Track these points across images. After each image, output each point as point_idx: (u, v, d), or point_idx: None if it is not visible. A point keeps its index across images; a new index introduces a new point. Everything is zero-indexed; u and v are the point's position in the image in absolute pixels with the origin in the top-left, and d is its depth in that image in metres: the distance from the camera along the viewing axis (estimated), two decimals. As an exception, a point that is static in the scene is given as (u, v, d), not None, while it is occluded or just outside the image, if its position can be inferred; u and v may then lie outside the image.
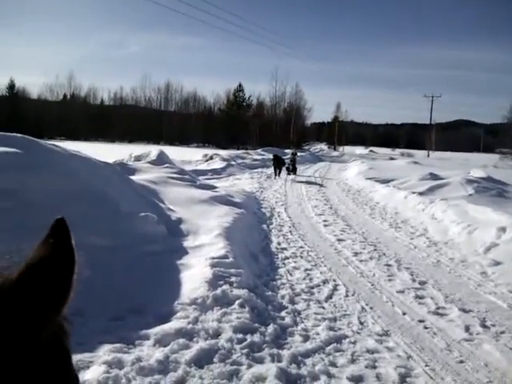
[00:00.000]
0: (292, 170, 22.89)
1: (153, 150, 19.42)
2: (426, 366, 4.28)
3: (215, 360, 4.00)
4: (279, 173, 22.57)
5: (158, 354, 3.95)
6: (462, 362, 4.41)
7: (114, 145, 54.61)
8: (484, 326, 5.30)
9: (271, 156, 33.18)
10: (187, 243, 7.33)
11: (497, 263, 7.90)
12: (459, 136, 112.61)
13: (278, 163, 22.60)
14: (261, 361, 4.11)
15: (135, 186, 9.21)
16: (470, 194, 14.92)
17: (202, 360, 3.97)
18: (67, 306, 0.72)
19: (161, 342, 4.17)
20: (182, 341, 4.20)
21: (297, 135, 68.81)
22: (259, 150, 39.82)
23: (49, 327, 0.69)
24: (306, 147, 69.99)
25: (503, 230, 9.13)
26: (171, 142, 63.32)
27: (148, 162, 15.81)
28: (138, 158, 18.38)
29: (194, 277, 5.78)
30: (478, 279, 7.11)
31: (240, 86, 71.15)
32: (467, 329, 5.17)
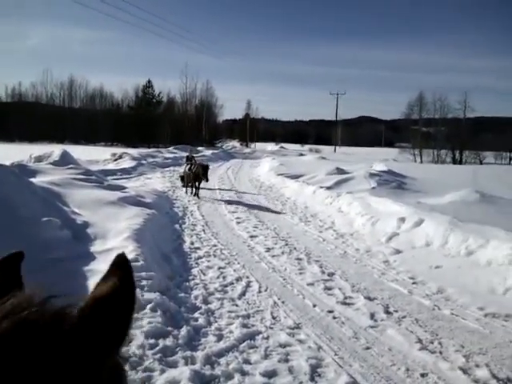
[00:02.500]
0: (194, 184, 15.32)
1: (55, 149, 18.40)
2: (336, 355, 4.46)
3: (126, 368, 3.85)
4: (195, 186, 15.33)
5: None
6: (368, 348, 4.66)
7: (13, 145, 50.89)
8: (387, 312, 5.64)
9: (183, 154, 32.28)
10: (95, 248, 7.01)
11: (398, 252, 8.45)
12: (363, 132, 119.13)
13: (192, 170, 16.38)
14: (174, 365, 4.04)
15: (36, 189, 8.64)
16: (373, 187, 15.81)
17: (111, 370, 3.81)
18: (126, 344, 0.69)
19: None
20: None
21: (209, 132, 68.73)
22: (171, 148, 39.22)
23: (108, 367, 0.65)
24: (219, 144, 70.09)
25: (403, 220, 9.78)
26: (77, 141, 60.18)
27: (50, 163, 14.95)
28: (39, 159, 17.31)
29: (102, 283, 5.53)
30: (382, 268, 7.55)
31: (149, 82, 69.53)
32: (372, 316, 5.47)
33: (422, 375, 4.12)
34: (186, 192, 15.64)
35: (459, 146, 58.44)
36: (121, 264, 0.76)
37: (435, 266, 7.55)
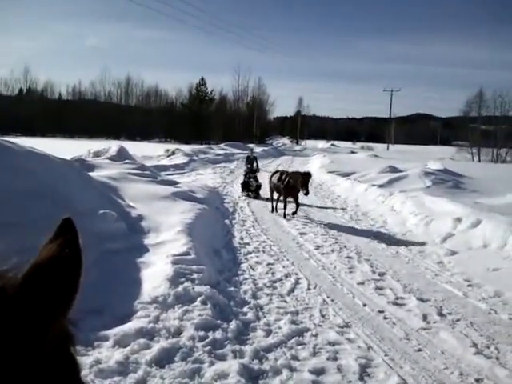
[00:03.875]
0: (255, 188, 14.64)
1: (113, 145, 19.04)
2: (386, 355, 4.37)
3: (176, 359, 3.95)
4: (253, 190, 14.70)
5: (118, 355, 3.87)
6: (420, 350, 4.53)
7: (73, 140, 53.23)
8: (441, 314, 5.46)
9: (234, 150, 32.16)
10: (148, 240, 7.21)
11: (453, 253, 8.16)
12: (417, 129, 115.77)
13: (252, 171, 15.22)
14: (223, 358, 4.09)
15: (94, 182, 8.99)
16: (428, 186, 15.34)
17: (163, 359, 3.92)
18: (72, 308, 0.70)
19: (120, 342, 4.09)
20: (142, 341, 4.13)
21: (260, 129, 69.00)
22: (222, 145, 39.68)
23: (54, 331, 0.65)
24: (269, 141, 70.27)
25: (459, 220, 9.43)
26: (132, 138, 62.20)
27: (107, 158, 15.48)
28: (97, 154, 17.98)
29: (154, 275, 5.69)
30: (435, 269, 7.32)
31: (202, 80, 70.57)
32: (425, 318, 5.32)
33: (477, 380, 3.96)
34: (273, 211, 11.98)
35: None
36: (66, 228, 0.74)
37: (492, 269, 7.23)
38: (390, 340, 4.72)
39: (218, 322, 4.76)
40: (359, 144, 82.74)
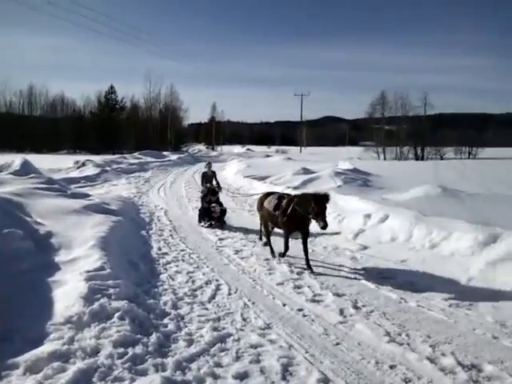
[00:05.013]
0: (219, 215, 11.10)
1: (16, 159, 17.86)
2: (306, 352, 4.49)
3: (94, 379, 3.78)
4: (216, 217, 11.09)
5: (30, 382, 3.63)
6: (338, 344, 4.71)
7: (-29, 156, 49.13)
8: (356, 307, 5.72)
9: (148, 159, 31.24)
10: (59, 258, 6.82)
11: (364, 248, 8.61)
12: (327, 131, 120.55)
13: (212, 192, 11.63)
14: (144, 373, 3.98)
15: (-5, 200, 8.35)
16: (339, 186, 16.03)
17: (80, 382, 3.73)
18: None
19: (32, 368, 3.84)
20: (56, 364, 3.91)
21: (174, 136, 68.12)
22: (136, 154, 38.63)
23: None
24: (185, 148, 69.57)
25: (368, 216, 9.95)
26: (38, 150, 58.60)
27: (10, 173, 14.50)
28: (-2, 169, 16.76)
29: (67, 293, 5.39)
30: (349, 264, 7.65)
31: (112, 87, 68.19)
32: (341, 312, 5.55)
33: (391, 367, 4.19)
34: (273, 254, 8.22)
35: (421, 142, 59.89)
36: None
37: (401, 260, 7.71)
38: (309, 337, 4.86)
39: (138, 336, 4.62)
40: (274, 148, 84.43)
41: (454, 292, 6.21)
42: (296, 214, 7.45)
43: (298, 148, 73.23)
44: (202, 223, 11.03)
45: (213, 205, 11.09)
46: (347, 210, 11.01)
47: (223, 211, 11.15)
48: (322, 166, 23.00)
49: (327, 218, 7.07)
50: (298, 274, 7.14)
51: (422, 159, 56.84)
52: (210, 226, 10.80)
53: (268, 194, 8.69)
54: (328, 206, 7.20)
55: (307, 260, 7.43)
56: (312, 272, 7.15)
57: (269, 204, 8.19)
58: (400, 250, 8.19)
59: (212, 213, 10.99)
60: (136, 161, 32.54)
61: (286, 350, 4.52)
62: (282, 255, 7.94)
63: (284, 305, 5.80)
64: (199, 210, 11.43)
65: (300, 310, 5.64)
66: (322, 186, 15.79)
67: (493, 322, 5.20)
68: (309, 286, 6.51)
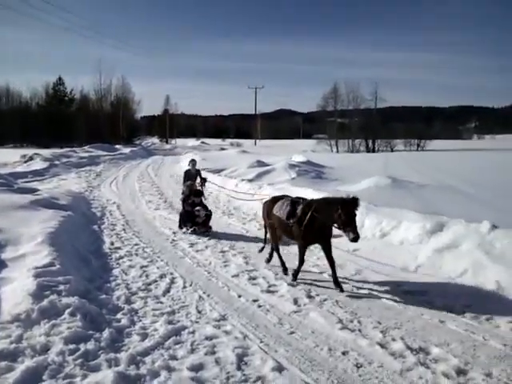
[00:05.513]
0: (204, 219, 9.71)
1: (-44, 153, 16.97)
2: (261, 342, 4.53)
3: (45, 377, 3.67)
4: (200, 223, 9.70)
5: (-26, 384, 3.48)
6: (292, 332, 4.78)
7: None
8: (310, 296, 5.83)
9: (100, 152, 30.44)
10: (6, 255, 6.55)
11: (318, 238, 8.72)
12: (281, 124, 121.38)
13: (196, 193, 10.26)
14: (97, 369, 3.89)
15: None
16: (293, 178, 16.21)
17: (28, 380, 3.60)
18: None
19: (-23, 369, 3.68)
20: (3, 364, 3.77)
21: (126, 129, 66.67)
22: (87, 147, 37.55)
23: None
24: (138, 142, 68.27)
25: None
26: (-19, 144, 55.94)
27: (-49, 168, 13.76)
28: None
29: (15, 291, 5.19)
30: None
31: (60, 79, 65.85)
32: (296, 301, 5.63)
33: (344, 353, 4.30)
34: (285, 269, 6.91)
35: (372, 135, 61.38)
36: None
37: (353, 250, 7.89)
38: (264, 327, 4.91)
39: (90, 332, 4.52)
40: (228, 141, 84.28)
41: (404, 279, 6.44)
42: (315, 224, 6.14)
43: (253, 141, 73.37)
44: (184, 229, 9.66)
45: (197, 208, 9.69)
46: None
47: (208, 216, 9.72)
48: (277, 159, 23.16)
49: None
50: (253, 265, 7.18)
51: (374, 151, 58.31)
52: (194, 232, 9.44)
53: (277, 199, 7.13)
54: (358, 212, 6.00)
55: (335, 277, 6.12)
56: (342, 290, 5.96)
57: (280, 211, 6.71)
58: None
59: (196, 217, 9.59)
60: (86, 154, 31.64)
61: (241, 341, 4.54)
62: (296, 274, 6.43)
63: (239, 296, 5.83)
64: (180, 214, 10.02)
65: (255, 300, 5.68)
66: (276, 179, 15.92)
67: (440, 307, 5.42)
68: (264, 277, 6.57)
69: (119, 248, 8.18)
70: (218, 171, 20.12)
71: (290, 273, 6.60)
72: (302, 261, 6.41)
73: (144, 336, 4.61)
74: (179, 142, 78.20)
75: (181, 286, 6.22)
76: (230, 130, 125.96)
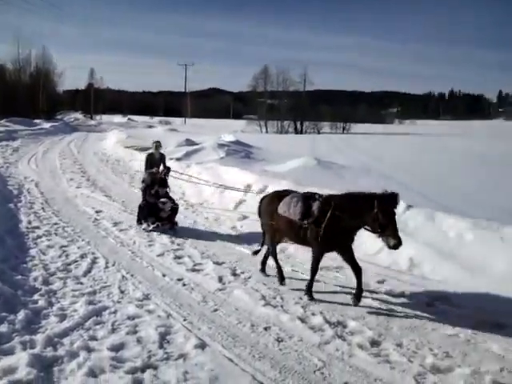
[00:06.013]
0: (169, 214, 8.22)
1: None
2: (185, 320, 4.55)
3: (-49, 363, 3.46)
4: (165, 218, 8.23)
5: None
6: (216, 310, 4.84)
7: None
8: (235, 274, 5.92)
9: (17, 127, 28.73)
10: None
11: (244, 217, 8.84)
12: (212, 103, 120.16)
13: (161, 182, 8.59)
14: (10, 351, 3.75)
15: None
16: (222, 157, 16.15)
17: None
18: None
19: None
20: None
21: (47, 103, 63.02)
22: (3, 121, 35.05)
23: None
24: (60, 117, 64.83)
25: (249, 187, 10.21)
26: None
27: None
28: None
29: None
30: (229, 233, 7.83)
31: (-29, 46, 60.96)
32: (220, 279, 5.69)
33: (266, 329, 4.42)
34: (282, 279, 5.79)
35: (300, 117, 62.49)
36: None
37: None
38: (188, 305, 4.92)
39: (3, 314, 4.33)
40: (157, 118, 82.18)
41: (325, 257, 6.67)
42: (338, 225, 5.00)
43: (183, 119, 72.15)
44: (145, 225, 8.04)
45: (162, 200, 8.16)
46: (229, 181, 11.16)
47: (175, 209, 8.28)
48: (206, 138, 22.94)
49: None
50: (178, 244, 7.14)
51: (301, 133, 59.47)
52: (156, 229, 7.92)
53: (281, 195, 5.82)
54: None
55: (360, 289, 5.07)
56: (356, 305, 5.02)
57: (288, 209, 5.43)
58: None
59: (160, 211, 8.06)
60: (2, 128, 29.54)
61: (165, 319, 4.53)
62: (310, 287, 5.26)
63: (164, 275, 5.79)
64: (139, 207, 8.41)
65: (180, 279, 5.67)
66: (205, 158, 15.80)
67: (345, 281, 5.70)
68: (189, 256, 6.56)
69: (37, 227, 7.79)
70: (145, 149, 19.58)
71: (307, 288, 5.28)
72: (315, 270, 5.30)
73: (62, 317, 4.47)
74: (105, 118, 75.10)
75: (103, 265, 6.07)
76: (158, 107, 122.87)
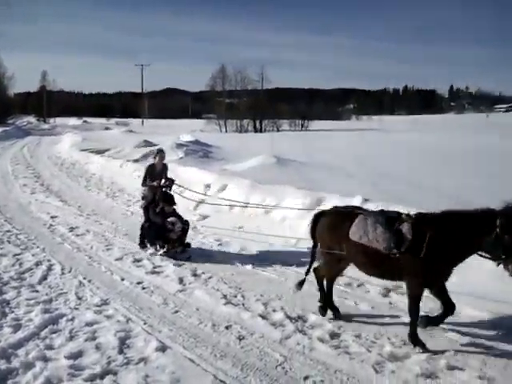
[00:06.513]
0: (180, 235, 6.86)
1: None
2: (145, 323, 4.49)
3: None
4: (176, 239, 6.86)
5: None
6: (177, 312, 4.80)
7: None
8: (195, 275, 5.89)
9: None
10: None
11: (205, 217, 8.83)
12: (170, 103, 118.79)
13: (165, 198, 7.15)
14: (-40, 367, 3.58)
15: None
16: (181, 157, 16.04)
17: None
18: None
19: None
20: None
21: (-3, 107, 60.69)
22: None
23: None
24: (11, 121, 62.56)
25: (208, 186, 10.20)
26: None
27: None
28: None
29: None
30: (190, 234, 7.75)
31: None
32: (181, 281, 5.65)
33: (227, 327, 4.42)
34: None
35: (259, 115, 62.64)
36: None
37: (238, 227, 8.08)
38: (148, 308, 4.86)
39: (-48, 328, 4.13)
40: (114, 120, 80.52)
41: (285, 253, 6.77)
42: (443, 253, 3.91)
43: (140, 120, 71.03)
44: (151, 249, 6.85)
45: (170, 219, 6.86)
46: (189, 181, 11.08)
47: (185, 229, 6.93)
48: (164, 139, 22.69)
49: None
50: (137, 247, 7.03)
51: (261, 131, 59.64)
52: (167, 253, 6.67)
53: (347, 213, 4.55)
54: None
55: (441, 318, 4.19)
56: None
57: (366, 234, 4.18)
58: (237, 217, 8.56)
59: (169, 232, 6.78)
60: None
61: (124, 324, 4.46)
62: (414, 336, 4.07)
63: (123, 279, 5.70)
64: (142, 227, 7.21)
65: (139, 282, 5.60)
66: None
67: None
68: (149, 259, 6.48)
69: (-12, 236, 7.51)
70: (100, 152, 19.23)
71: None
72: (416, 312, 4.09)
73: (17, 327, 4.33)
74: (59, 121, 72.92)
75: (59, 272, 5.91)
76: (115, 108, 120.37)
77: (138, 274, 5.89)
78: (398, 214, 4.29)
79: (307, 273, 4.85)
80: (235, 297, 5.18)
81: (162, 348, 3.98)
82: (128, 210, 9.65)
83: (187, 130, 40.96)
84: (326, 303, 4.72)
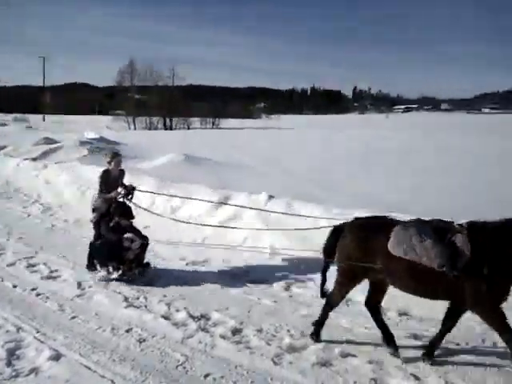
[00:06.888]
0: (136, 254, 5.77)
1: None
2: (38, 332, 4.23)
3: None
4: (132, 259, 5.75)
5: None
6: (74, 317, 4.59)
7: None
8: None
9: None
10: None
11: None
12: (77, 99, 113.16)
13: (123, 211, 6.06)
14: None
15: None
16: (84, 155, 15.31)
17: None
18: None
19: None
20: None
21: None
22: None
23: None
24: None
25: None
26: None
27: None
28: None
29: None
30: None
31: None
32: (80, 285, 5.41)
33: (127, 331, 4.30)
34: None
35: (170, 112, 61.63)
36: None
37: (144, 227, 7.84)
38: (42, 316, 4.59)
39: None
40: (11, 115, 75.08)
41: (192, 251, 6.75)
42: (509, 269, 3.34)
43: (41, 116, 66.90)
44: (103, 272, 5.71)
45: (126, 236, 5.85)
46: (92, 181, 10.63)
47: (144, 245, 5.91)
48: (67, 136, 21.58)
49: None
50: (35, 251, 6.61)
51: (171, 129, 58.74)
52: (122, 278, 5.61)
53: (381, 223, 3.89)
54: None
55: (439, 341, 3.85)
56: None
57: (412, 249, 3.49)
58: (143, 216, 8.32)
59: (126, 251, 5.75)
60: None
61: (14, 334, 4.17)
62: None
63: (14, 286, 5.34)
64: (91, 245, 6.11)
65: (33, 289, 5.27)
66: (66, 157, 14.83)
67: (223, 274, 5.86)
68: (45, 263, 6.12)
69: None
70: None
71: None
72: (509, 329, 3.39)
73: None
74: None
75: None
76: (13, 103, 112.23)
77: (32, 280, 5.54)
78: (444, 222, 3.68)
79: (323, 295, 4.15)
80: (137, 299, 5.07)
81: (56, 356, 3.78)
82: (24, 212, 9.04)
83: (93, 126, 39.36)
84: (321, 326, 4.11)
